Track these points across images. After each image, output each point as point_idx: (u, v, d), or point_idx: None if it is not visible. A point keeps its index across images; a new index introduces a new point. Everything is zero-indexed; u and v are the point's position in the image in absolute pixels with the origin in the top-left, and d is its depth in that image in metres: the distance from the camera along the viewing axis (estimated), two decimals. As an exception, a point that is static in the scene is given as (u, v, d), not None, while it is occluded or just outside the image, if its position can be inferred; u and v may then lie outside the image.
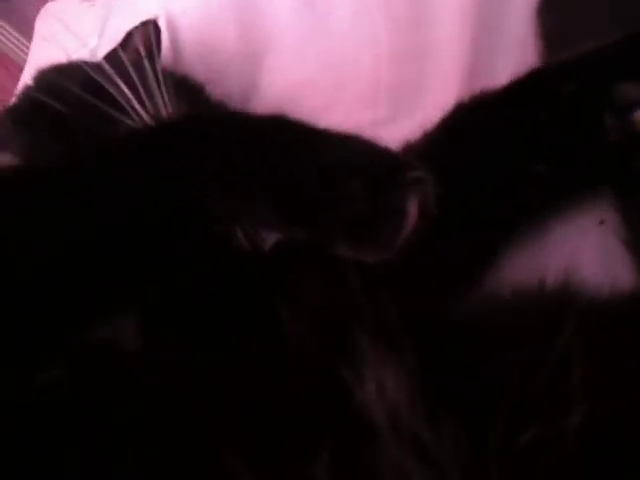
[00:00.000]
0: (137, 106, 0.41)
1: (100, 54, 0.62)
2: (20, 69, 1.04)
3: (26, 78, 0.91)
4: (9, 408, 0.23)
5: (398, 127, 0.46)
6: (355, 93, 0.49)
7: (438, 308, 0.31)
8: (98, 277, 0.26)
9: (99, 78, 0.39)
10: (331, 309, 0.28)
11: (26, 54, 1.11)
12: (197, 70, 0.56)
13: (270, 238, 0.32)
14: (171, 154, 0.29)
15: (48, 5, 1.03)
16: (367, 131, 0.47)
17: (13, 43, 1.48)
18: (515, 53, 0.44)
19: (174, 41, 0.58)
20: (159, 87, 0.44)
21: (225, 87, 0.54)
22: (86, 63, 0.46)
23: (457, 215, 0.36)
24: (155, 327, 0.29)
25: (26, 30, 1.19)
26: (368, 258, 0.28)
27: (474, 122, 0.37)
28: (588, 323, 0.23)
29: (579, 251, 0.37)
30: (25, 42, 1.34)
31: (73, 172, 0.29)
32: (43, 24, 1.00)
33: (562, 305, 0.24)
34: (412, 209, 0.28)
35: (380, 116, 0.47)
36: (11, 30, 1.49)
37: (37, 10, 1.03)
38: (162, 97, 0.43)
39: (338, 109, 0.49)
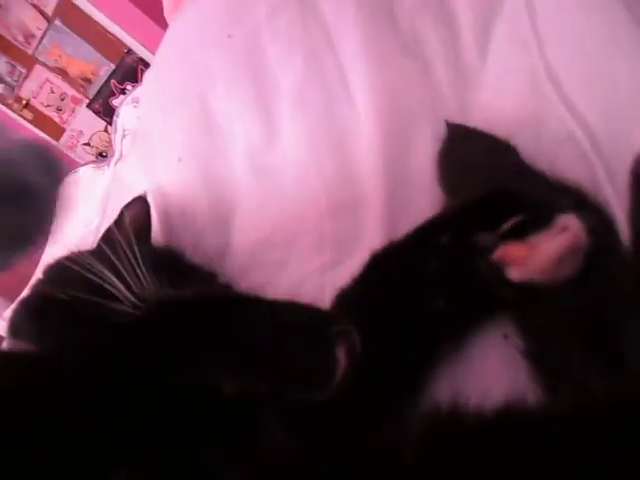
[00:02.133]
0: (124, 291, 0.50)
1: (102, 232, 0.73)
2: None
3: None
4: None
5: (344, 270, 0.55)
6: (305, 245, 0.58)
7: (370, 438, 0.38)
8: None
9: (89, 273, 0.49)
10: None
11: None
12: (183, 237, 0.67)
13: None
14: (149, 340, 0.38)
15: (66, 179, 1.18)
16: (318, 275, 0.57)
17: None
18: (426, 200, 0.53)
19: (165, 215, 0.69)
20: (145, 264, 0.54)
21: (204, 249, 0.64)
22: (82, 254, 0.56)
23: (381, 352, 0.43)
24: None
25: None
26: (311, 398, 0.36)
27: (384, 269, 0.46)
28: (439, 446, 0.30)
29: (488, 365, 0.43)
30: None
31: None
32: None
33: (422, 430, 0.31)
34: (341, 355, 0.36)
35: (327, 262, 0.57)
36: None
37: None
38: (145, 277, 0.52)
39: (293, 260, 0.58)
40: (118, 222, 0.68)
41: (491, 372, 0.43)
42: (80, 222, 0.91)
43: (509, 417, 0.34)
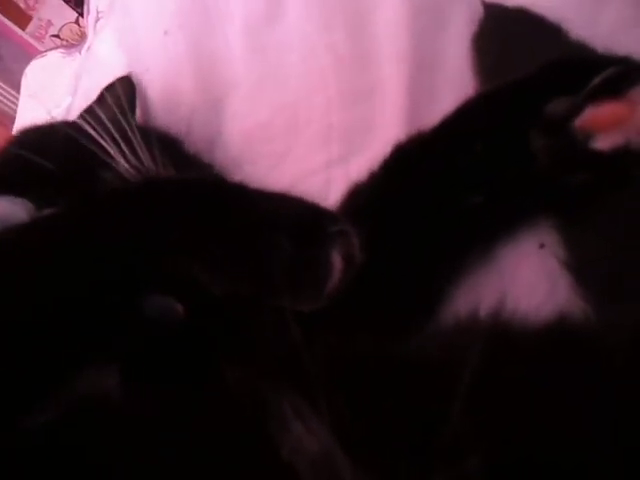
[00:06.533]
0: (120, 159, 0.42)
1: (73, 112, 0.65)
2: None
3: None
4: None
5: (352, 166, 0.48)
6: (309, 135, 0.51)
7: (387, 348, 0.32)
8: (78, 334, 0.28)
9: (79, 135, 0.41)
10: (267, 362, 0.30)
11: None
12: (166, 122, 0.59)
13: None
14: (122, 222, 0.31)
15: (33, 62, 1.07)
16: (323, 170, 0.50)
17: (7, 99, 1.54)
18: (453, 88, 0.46)
19: (142, 98, 0.60)
20: (137, 141, 0.45)
21: (192, 137, 0.56)
22: (66, 122, 0.48)
23: (402, 253, 0.37)
24: (134, 376, 0.30)
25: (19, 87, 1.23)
26: (301, 307, 0.29)
27: (411, 161, 0.39)
28: (496, 360, 0.24)
29: (521, 276, 0.38)
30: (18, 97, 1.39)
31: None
32: (28, 81, 1.04)
33: (471, 341, 0.25)
34: (336, 260, 0.29)
35: (334, 156, 0.49)
36: (5, 87, 1.54)
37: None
38: (142, 150, 0.44)
39: (294, 152, 0.51)
40: (99, 101, 0.59)
41: (525, 285, 0.38)
42: (48, 104, 0.81)
43: (561, 333, 0.29)
